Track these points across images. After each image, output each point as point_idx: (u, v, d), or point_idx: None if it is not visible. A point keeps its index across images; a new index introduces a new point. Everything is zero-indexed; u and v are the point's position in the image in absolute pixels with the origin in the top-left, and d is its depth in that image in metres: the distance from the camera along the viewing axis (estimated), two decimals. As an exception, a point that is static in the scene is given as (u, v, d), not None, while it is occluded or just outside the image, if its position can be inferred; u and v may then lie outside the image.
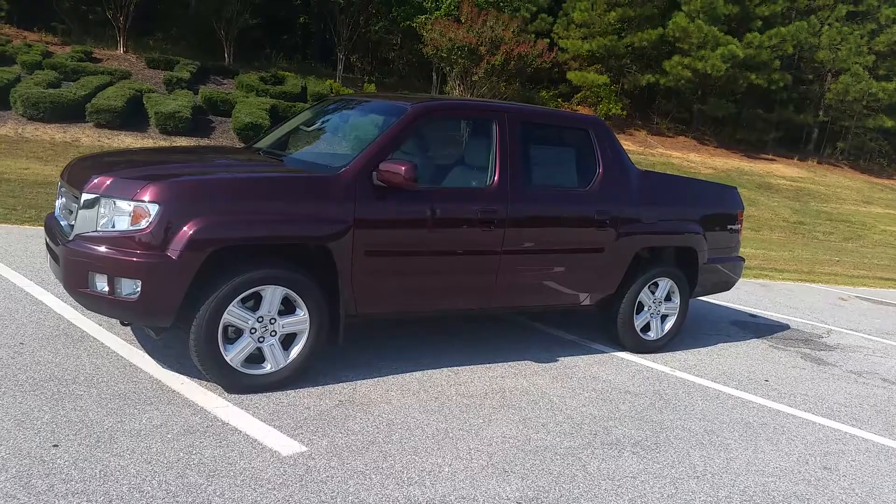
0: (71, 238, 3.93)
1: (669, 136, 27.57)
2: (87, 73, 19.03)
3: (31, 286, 5.53)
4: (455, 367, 4.95)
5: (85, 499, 2.88)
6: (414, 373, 4.74)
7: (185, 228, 3.74)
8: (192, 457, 3.32)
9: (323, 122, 5.25)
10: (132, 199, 3.77)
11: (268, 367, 4.14)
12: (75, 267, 3.86)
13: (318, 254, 4.22)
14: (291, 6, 25.75)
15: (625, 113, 26.63)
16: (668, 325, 5.94)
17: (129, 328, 4.80)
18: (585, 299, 5.47)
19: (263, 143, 5.29)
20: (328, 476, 3.30)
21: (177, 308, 3.83)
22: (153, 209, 3.74)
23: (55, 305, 5.15)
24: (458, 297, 4.86)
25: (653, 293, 5.77)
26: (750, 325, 7.43)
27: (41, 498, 2.85)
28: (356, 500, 3.13)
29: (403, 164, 4.21)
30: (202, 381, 4.14)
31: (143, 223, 3.74)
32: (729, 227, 6.28)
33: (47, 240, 4.43)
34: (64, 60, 19.54)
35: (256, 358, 4.15)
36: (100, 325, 4.87)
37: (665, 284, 5.80)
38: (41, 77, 17.70)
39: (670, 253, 6.03)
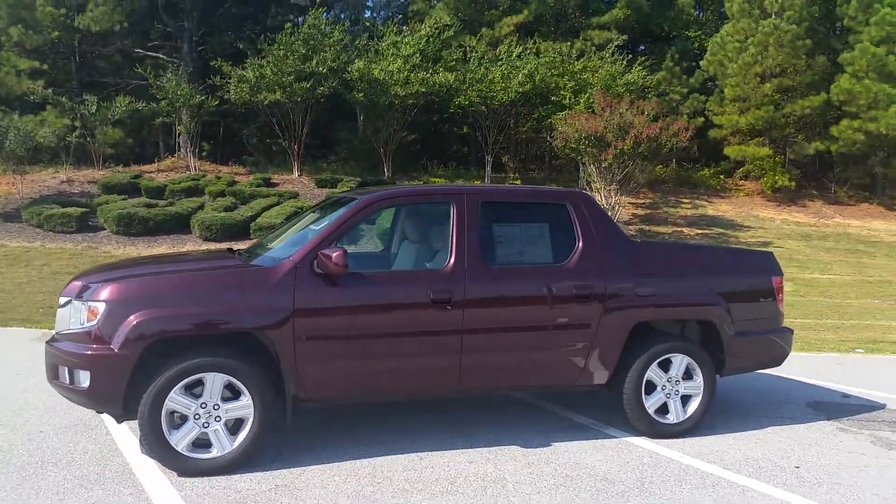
0: (51, 337, 4.54)
1: (850, 205, 24.93)
2: (260, 197, 21.50)
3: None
4: (427, 452, 4.85)
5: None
6: (376, 458, 4.72)
7: (124, 323, 4.20)
8: (96, 532, 3.60)
9: (312, 219, 5.60)
10: (88, 300, 4.32)
11: (214, 452, 4.38)
12: (49, 360, 4.45)
13: (259, 341, 4.47)
14: (444, 119, 27.59)
15: (793, 184, 24.66)
16: (693, 406, 5.36)
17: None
18: (582, 378, 5.15)
19: (267, 241, 5.72)
20: (200, 554, 3.40)
21: (122, 396, 4.24)
22: (101, 307, 4.24)
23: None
24: (419, 380, 4.83)
25: (665, 371, 5.28)
26: (832, 406, 6.40)
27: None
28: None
29: (335, 250, 4.41)
30: (167, 468, 4.44)
31: (95, 321, 4.25)
32: (763, 296, 5.64)
33: None
34: (244, 188, 22.24)
35: (208, 443, 4.40)
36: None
37: (680, 361, 5.28)
38: (220, 203, 20.29)
39: (689, 327, 5.54)
